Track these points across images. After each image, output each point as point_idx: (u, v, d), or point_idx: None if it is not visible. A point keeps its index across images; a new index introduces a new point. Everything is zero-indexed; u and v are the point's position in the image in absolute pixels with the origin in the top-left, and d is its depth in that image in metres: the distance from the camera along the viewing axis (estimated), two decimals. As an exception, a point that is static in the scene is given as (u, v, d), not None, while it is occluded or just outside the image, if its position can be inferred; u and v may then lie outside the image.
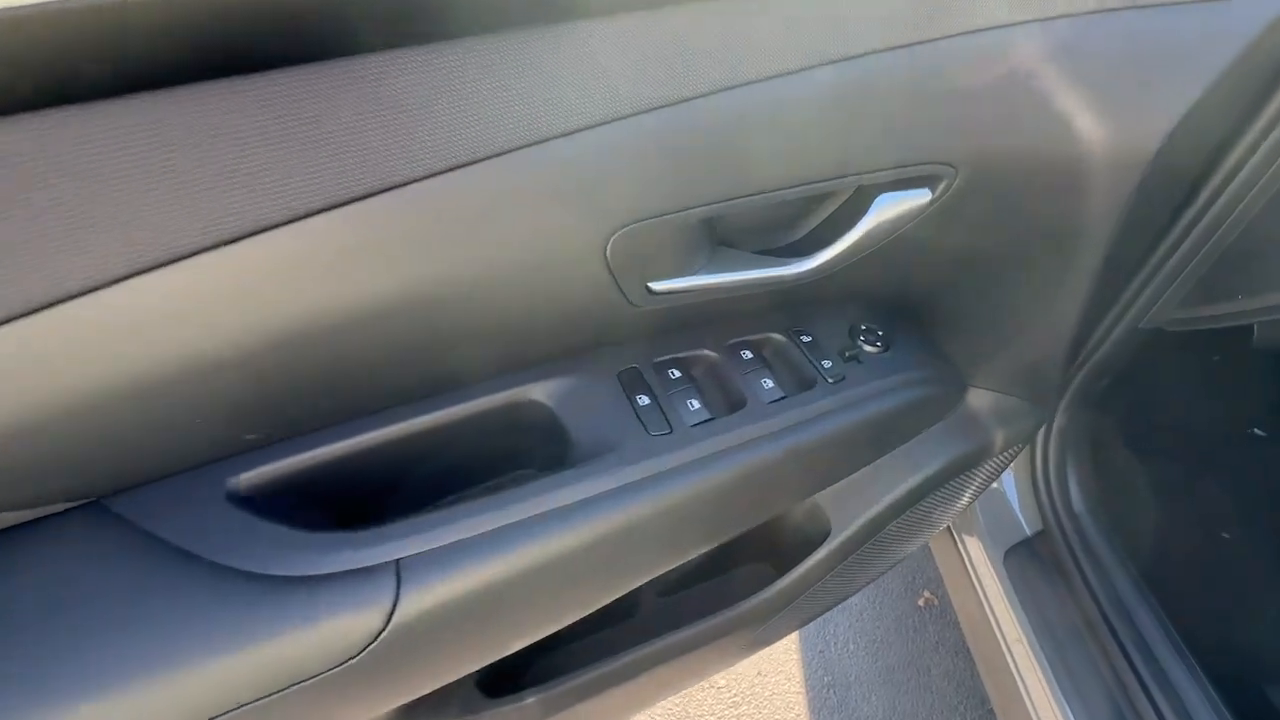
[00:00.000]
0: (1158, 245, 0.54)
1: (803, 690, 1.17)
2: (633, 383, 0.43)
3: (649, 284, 0.39)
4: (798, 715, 1.13)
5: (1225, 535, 0.97)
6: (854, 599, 1.29)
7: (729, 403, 0.45)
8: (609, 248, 0.34)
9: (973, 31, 0.35)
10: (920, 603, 1.29)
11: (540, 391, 0.41)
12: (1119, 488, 0.94)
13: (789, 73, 0.33)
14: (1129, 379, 0.96)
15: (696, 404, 0.43)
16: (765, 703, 1.15)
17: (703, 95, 0.32)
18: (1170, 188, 0.46)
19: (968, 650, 1.13)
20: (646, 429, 0.41)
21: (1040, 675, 0.80)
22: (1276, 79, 0.41)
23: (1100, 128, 0.38)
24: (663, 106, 0.31)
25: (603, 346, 0.44)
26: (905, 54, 0.35)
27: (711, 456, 0.41)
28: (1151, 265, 0.56)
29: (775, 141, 0.35)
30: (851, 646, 1.22)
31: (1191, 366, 1.18)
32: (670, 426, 0.41)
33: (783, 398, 0.45)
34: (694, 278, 0.40)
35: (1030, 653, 0.82)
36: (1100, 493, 0.86)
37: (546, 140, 0.30)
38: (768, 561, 0.65)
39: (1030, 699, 0.81)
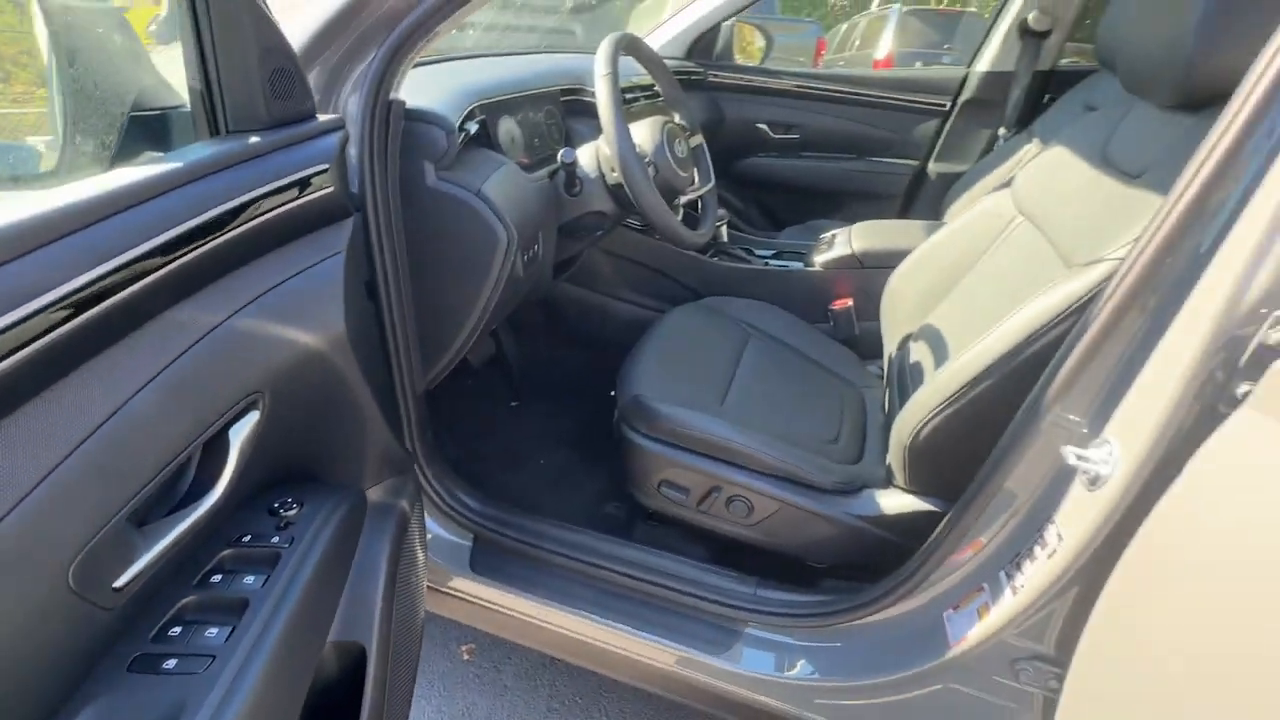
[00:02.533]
0: (388, 363, 0.92)
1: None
2: (148, 661, 0.50)
3: (114, 585, 0.47)
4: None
5: (542, 461, 1.61)
6: (419, 692, 1.41)
7: (235, 611, 0.57)
8: (72, 579, 0.40)
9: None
10: (465, 657, 1.53)
11: None
12: (484, 469, 1.41)
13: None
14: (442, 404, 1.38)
15: (214, 630, 0.54)
16: None
17: None
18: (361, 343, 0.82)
19: (524, 654, 1.46)
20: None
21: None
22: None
23: (309, 337, 0.68)
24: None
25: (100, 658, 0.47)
26: (207, 341, 0.54)
27: (256, 647, 0.54)
28: (396, 378, 0.94)
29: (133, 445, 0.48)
30: (454, 734, 1.36)
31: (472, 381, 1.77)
32: (211, 655, 0.51)
33: (268, 577, 0.59)
34: (143, 558, 0.50)
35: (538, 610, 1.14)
36: (474, 479, 1.28)
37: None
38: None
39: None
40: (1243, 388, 0.56)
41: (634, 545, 1.18)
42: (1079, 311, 0.76)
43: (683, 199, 1.27)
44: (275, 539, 0.63)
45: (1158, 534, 0.61)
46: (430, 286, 0.99)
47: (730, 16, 2.15)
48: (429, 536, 1.14)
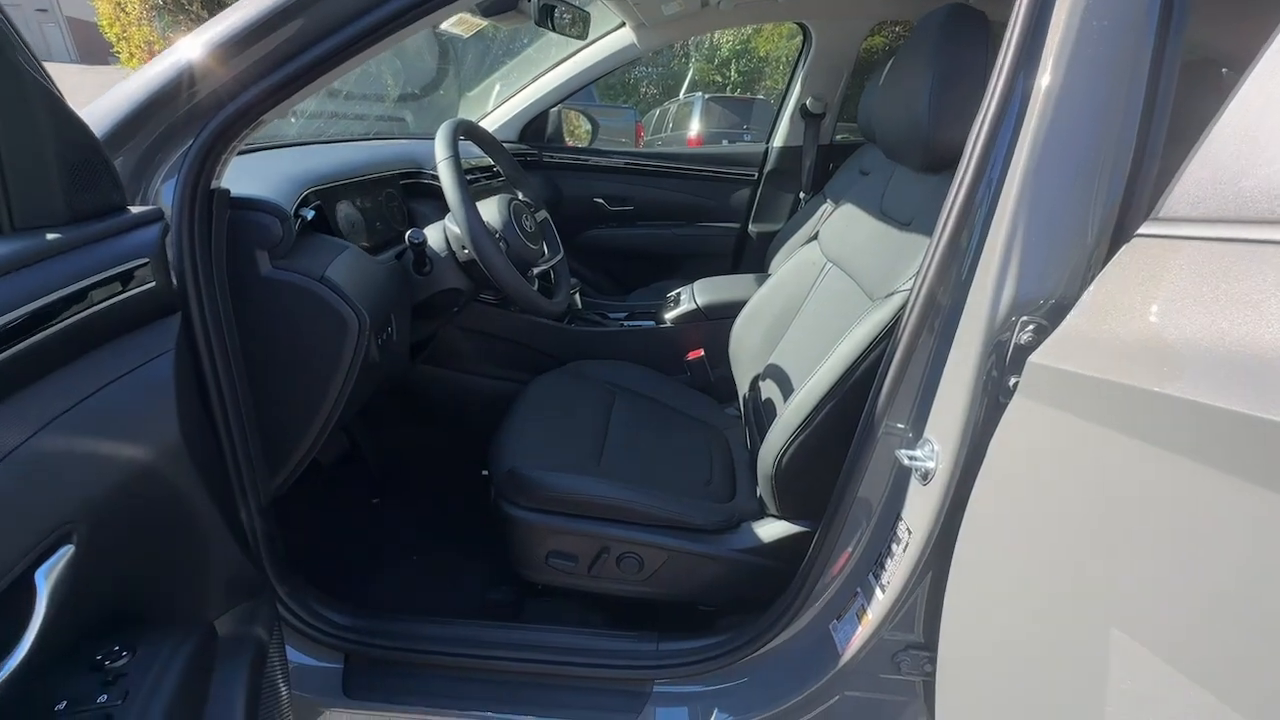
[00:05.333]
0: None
1: None
2: None
3: None
4: None
5: (414, 558, 1.49)
6: None
7: None
8: None
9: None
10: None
11: None
12: (349, 578, 1.27)
13: None
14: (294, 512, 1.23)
15: None
16: None
17: None
18: None
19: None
20: None
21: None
22: None
23: (136, 451, 0.59)
24: None
25: None
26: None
27: None
28: (237, 491, 0.84)
29: None
30: None
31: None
32: None
33: None
34: None
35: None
36: (338, 591, 1.15)
37: None
38: None
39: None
40: (1012, 380, 0.70)
41: (526, 627, 1.12)
42: (887, 336, 0.90)
43: (535, 270, 1.31)
44: (104, 697, 0.51)
45: (980, 511, 0.73)
46: (272, 385, 0.91)
47: (556, 104, 2.30)
48: (291, 667, 1.00)
